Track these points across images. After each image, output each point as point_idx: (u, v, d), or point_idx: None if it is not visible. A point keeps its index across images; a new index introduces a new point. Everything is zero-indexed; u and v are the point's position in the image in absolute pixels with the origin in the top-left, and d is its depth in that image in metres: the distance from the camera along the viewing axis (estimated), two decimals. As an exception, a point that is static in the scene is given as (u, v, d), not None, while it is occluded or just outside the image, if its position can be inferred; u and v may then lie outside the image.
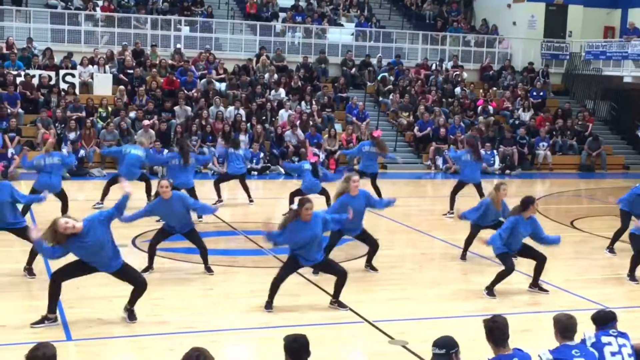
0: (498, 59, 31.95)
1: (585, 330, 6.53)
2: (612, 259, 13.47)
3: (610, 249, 13.74)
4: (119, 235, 13.57)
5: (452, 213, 16.65)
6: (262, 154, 23.20)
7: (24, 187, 18.38)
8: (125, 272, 8.95)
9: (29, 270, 10.86)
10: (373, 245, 11.72)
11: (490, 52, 31.94)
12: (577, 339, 6.43)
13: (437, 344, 5.84)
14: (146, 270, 10.98)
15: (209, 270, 11.29)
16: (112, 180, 15.97)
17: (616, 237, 13.77)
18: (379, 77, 28.69)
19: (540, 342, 8.32)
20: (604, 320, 6.63)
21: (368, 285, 10.70)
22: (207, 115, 24.03)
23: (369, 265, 11.80)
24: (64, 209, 14.10)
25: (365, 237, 11.68)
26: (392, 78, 28.69)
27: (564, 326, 6.29)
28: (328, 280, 10.86)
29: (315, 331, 8.56)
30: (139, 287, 8.97)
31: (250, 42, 29.22)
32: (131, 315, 9.04)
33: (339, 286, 9.80)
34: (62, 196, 14.37)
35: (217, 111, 24.32)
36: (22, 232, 10.61)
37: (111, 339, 8.64)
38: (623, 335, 6.54)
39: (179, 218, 11.03)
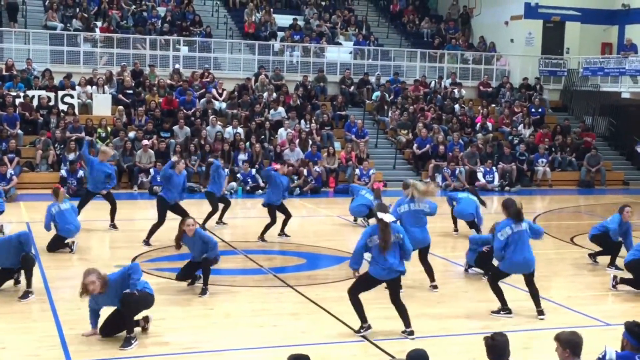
0: (496, 76, 32.06)
1: (607, 346, 6.43)
2: (612, 275, 13.45)
3: (615, 266, 13.70)
4: (120, 257, 13.63)
5: (457, 231, 16.76)
6: (253, 172, 23.16)
7: (23, 209, 18.44)
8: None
9: (25, 293, 10.83)
10: None
11: (488, 70, 32.05)
12: (593, 354, 6.35)
13: (414, 357, 5.84)
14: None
15: (203, 291, 11.23)
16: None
17: (614, 255, 13.82)
18: (373, 97, 28.80)
19: (540, 359, 8.31)
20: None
21: (368, 303, 10.64)
22: (206, 134, 24.06)
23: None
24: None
25: None
26: (386, 94, 28.75)
27: (576, 344, 6.22)
28: (329, 300, 10.85)
29: (317, 350, 8.53)
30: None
31: (249, 62, 29.33)
32: (126, 343, 8.90)
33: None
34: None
35: (217, 131, 24.34)
36: None
37: (111, 360, 8.60)
38: None
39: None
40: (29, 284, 10.84)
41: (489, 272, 11.34)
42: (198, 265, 11.36)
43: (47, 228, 13.94)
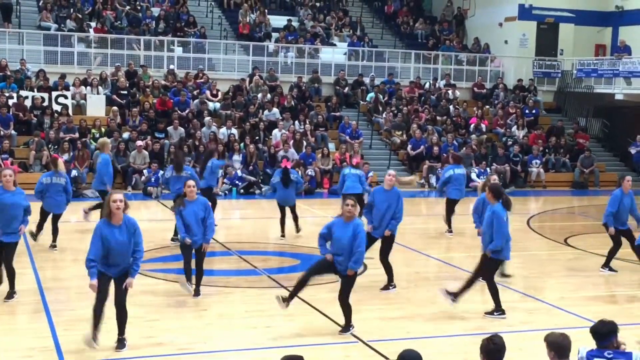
0: (490, 78, 32.11)
1: (580, 346, 6.47)
2: (605, 276, 13.48)
3: (609, 267, 13.64)
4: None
5: (451, 232, 16.78)
6: (239, 173, 23.11)
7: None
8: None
9: (8, 294, 10.71)
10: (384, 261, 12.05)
11: (482, 71, 32.09)
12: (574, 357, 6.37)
13: (406, 358, 5.80)
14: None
15: (196, 292, 11.18)
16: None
17: (611, 255, 13.64)
18: (367, 98, 28.84)
19: (535, 360, 8.32)
20: (601, 334, 6.46)
21: (362, 304, 10.67)
22: (200, 135, 24.05)
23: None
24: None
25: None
26: (381, 95, 28.78)
27: (561, 346, 6.21)
28: (323, 301, 10.86)
29: (311, 351, 8.53)
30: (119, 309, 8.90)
31: (243, 62, 29.32)
32: (120, 344, 8.86)
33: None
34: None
35: (210, 132, 24.32)
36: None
37: (105, 362, 8.59)
38: (623, 355, 6.27)
39: (199, 225, 10.96)
40: (11, 284, 10.74)
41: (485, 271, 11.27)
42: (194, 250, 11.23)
43: (36, 196, 13.82)
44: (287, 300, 9.76)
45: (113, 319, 8.92)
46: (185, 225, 10.99)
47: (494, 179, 12.27)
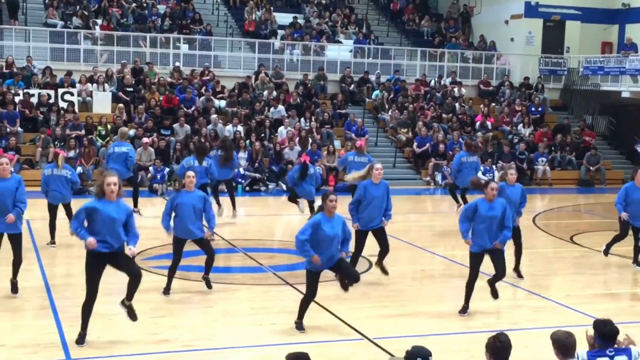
0: (496, 75, 32.06)
1: (579, 350, 6.45)
2: (610, 274, 13.45)
3: (606, 250, 13.63)
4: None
5: (460, 205, 16.82)
6: (242, 171, 23.10)
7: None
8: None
9: (13, 285, 10.69)
10: (385, 247, 11.92)
11: (488, 68, 32.04)
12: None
13: (412, 353, 5.79)
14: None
15: (207, 283, 11.14)
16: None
17: (614, 241, 13.57)
18: (373, 96, 28.81)
19: (540, 358, 8.31)
20: (610, 335, 6.40)
21: (368, 301, 10.67)
22: (206, 133, 24.06)
23: (380, 266, 12.02)
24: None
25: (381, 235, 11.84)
26: (385, 93, 28.74)
27: (564, 345, 6.21)
28: (329, 299, 10.85)
29: (316, 349, 8.52)
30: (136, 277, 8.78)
31: (249, 60, 29.32)
32: (131, 313, 8.88)
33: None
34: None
35: (210, 130, 24.28)
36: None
37: (110, 358, 8.59)
38: (623, 352, 6.30)
39: (197, 216, 10.80)
40: (15, 273, 10.68)
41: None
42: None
43: (42, 190, 14.03)
44: (299, 325, 9.61)
45: (116, 315, 8.93)
46: (180, 219, 10.78)
47: (511, 172, 12.30)
